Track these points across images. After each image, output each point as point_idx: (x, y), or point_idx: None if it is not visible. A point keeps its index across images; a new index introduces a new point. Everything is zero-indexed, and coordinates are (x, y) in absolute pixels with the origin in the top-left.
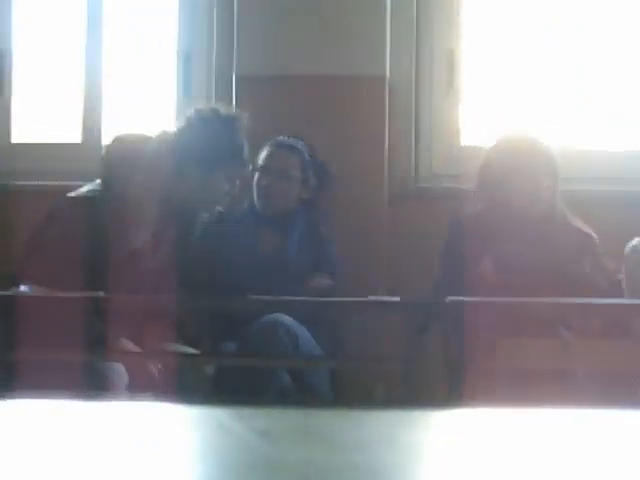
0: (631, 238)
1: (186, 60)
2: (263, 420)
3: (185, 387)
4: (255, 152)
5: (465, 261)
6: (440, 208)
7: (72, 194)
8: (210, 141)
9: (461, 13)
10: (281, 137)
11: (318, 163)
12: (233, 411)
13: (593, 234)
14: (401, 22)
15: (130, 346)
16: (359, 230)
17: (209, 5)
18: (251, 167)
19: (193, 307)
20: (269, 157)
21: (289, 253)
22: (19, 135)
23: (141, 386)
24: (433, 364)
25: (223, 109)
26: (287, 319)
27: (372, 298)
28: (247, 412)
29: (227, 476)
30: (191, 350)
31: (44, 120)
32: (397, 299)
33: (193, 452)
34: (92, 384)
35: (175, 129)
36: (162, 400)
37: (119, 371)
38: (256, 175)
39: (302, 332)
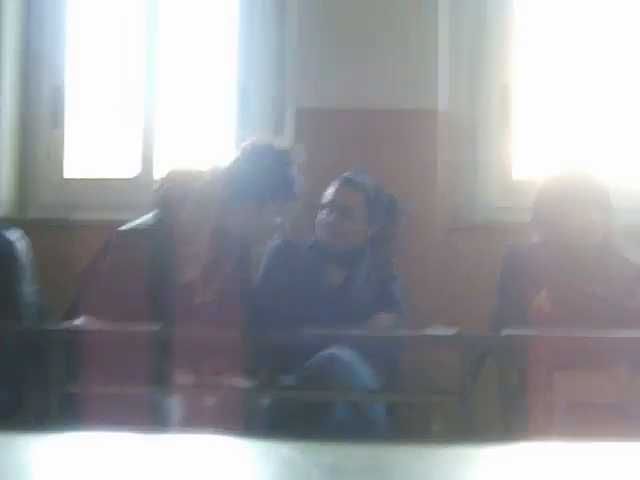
0: None
1: (244, 92)
2: (327, 455)
3: (242, 420)
4: (312, 185)
5: (521, 293)
6: (494, 240)
7: (125, 227)
8: (263, 174)
9: (515, 47)
10: (348, 173)
11: (386, 198)
12: (296, 446)
13: None
14: (456, 56)
15: (184, 379)
16: (415, 263)
17: (267, 38)
18: (317, 202)
19: (251, 340)
20: (334, 194)
21: (353, 290)
22: (73, 168)
23: (196, 419)
24: (490, 397)
25: (277, 142)
26: (345, 353)
27: (429, 331)
28: (311, 447)
29: None
30: (248, 383)
31: (98, 153)
32: (453, 331)
33: None
34: (149, 417)
35: (230, 161)
36: (219, 433)
37: (174, 404)
38: (321, 211)
39: (359, 365)
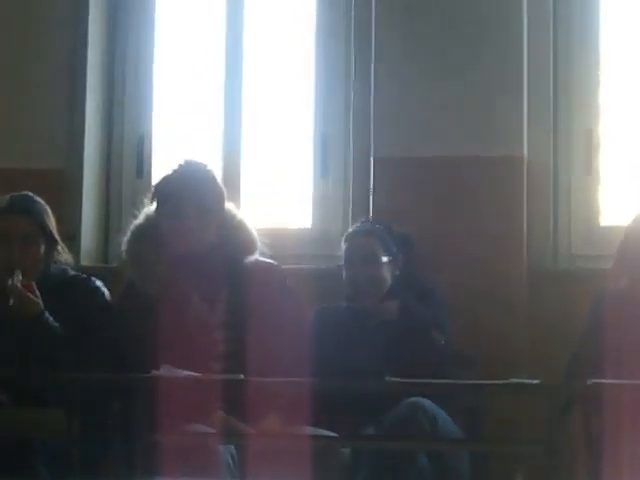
0: None
1: (323, 141)
2: None
3: (321, 471)
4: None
5: (608, 337)
6: (580, 289)
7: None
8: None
9: (600, 92)
10: (356, 225)
11: (400, 236)
12: None
13: None
14: (539, 102)
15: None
16: (498, 312)
17: (346, 87)
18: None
19: (327, 391)
20: (350, 249)
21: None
22: None
23: (270, 469)
24: (575, 447)
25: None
26: (426, 402)
27: (513, 380)
28: None
29: None
30: (329, 433)
31: None
32: (537, 381)
33: None
34: (227, 468)
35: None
36: None
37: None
38: (347, 270)
39: (441, 414)
